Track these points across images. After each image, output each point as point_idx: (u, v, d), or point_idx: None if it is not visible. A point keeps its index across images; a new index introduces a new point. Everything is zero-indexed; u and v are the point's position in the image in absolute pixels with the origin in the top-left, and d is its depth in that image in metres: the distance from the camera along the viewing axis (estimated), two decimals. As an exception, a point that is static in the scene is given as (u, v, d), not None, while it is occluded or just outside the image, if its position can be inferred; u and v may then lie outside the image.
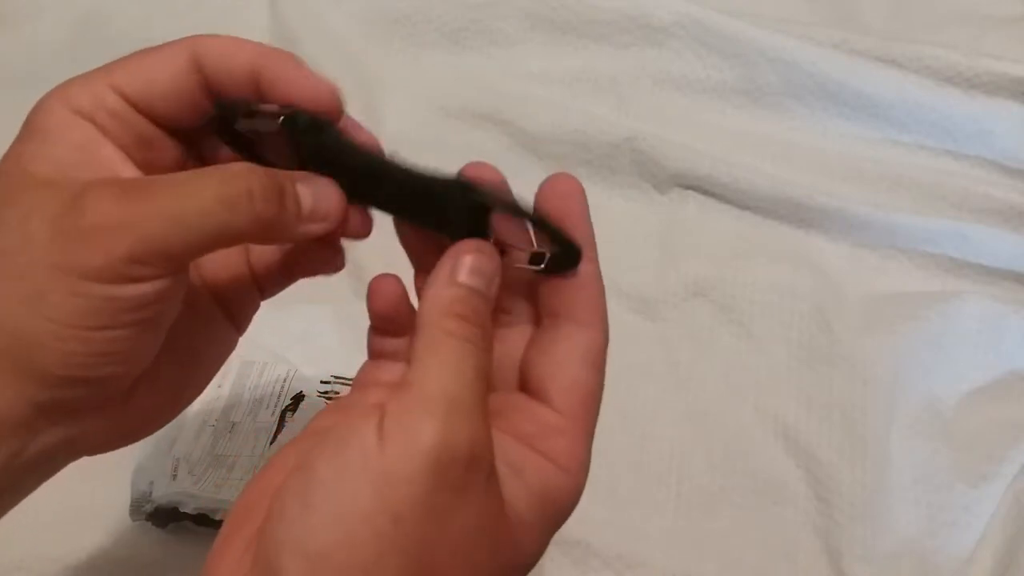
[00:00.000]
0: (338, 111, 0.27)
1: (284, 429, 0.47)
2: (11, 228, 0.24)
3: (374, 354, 0.30)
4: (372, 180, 0.28)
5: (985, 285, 0.57)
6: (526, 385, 0.28)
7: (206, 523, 0.45)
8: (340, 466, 0.22)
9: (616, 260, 0.56)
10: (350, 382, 0.30)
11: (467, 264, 0.26)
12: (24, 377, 0.24)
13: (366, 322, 0.30)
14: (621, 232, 0.59)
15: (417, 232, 0.29)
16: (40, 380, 0.24)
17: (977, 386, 0.53)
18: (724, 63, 0.63)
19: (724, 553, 0.49)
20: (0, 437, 0.24)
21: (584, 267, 0.28)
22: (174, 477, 0.45)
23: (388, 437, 0.22)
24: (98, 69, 0.26)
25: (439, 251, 0.27)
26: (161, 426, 0.30)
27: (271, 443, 0.47)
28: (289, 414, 0.48)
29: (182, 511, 0.44)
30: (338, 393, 0.49)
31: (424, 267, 0.29)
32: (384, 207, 0.28)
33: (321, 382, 0.49)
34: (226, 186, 0.24)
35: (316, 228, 0.27)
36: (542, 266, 0.27)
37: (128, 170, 0.26)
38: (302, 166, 0.27)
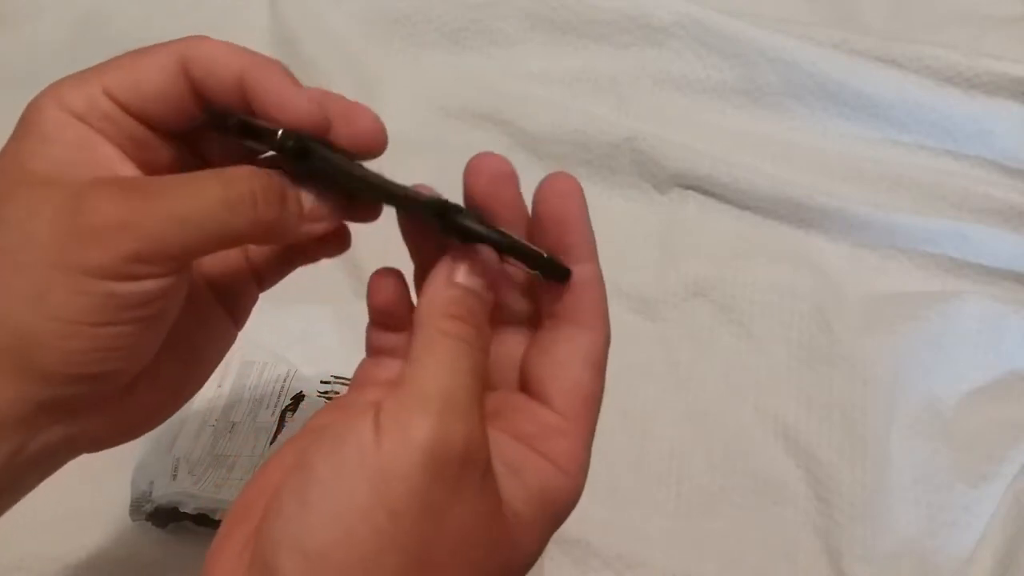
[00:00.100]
0: (324, 128, 0.26)
1: (284, 429, 0.47)
2: (12, 226, 0.24)
3: (373, 350, 0.30)
4: (365, 196, 0.28)
5: (985, 285, 0.57)
6: (527, 385, 0.28)
7: (206, 523, 0.45)
8: (337, 464, 0.22)
9: (616, 260, 0.56)
10: (350, 382, 0.30)
11: (465, 265, 0.26)
12: (25, 375, 0.24)
13: (366, 322, 0.30)
14: (621, 232, 0.59)
15: (420, 227, 0.29)
16: (41, 378, 0.24)
17: (977, 386, 0.53)
18: (724, 63, 0.63)
19: (724, 553, 0.49)
20: (2, 434, 0.24)
21: (585, 268, 0.28)
22: (174, 477, 0.45)
23: (384, 434, 0.22)
24: (90, 70, 0.26)
25: (440, 247, 0.27)
26: (161, 422, 0.30)
27: (271, 443, 0.47)
28: (289, 414, 0.48)
29: (182, 511, 0.44)
30: (338, 393, 0.49)
31: (425, 262, 0.29)
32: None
33: (321, 382, 0.49)
34: (229, 189, 0.25)
35: (317, 228, 0.27)
36: (537, 272, 0.27)
37: (127, 168, 0.26)
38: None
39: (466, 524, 0.23)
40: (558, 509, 0.26)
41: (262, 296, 0.33)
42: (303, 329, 0.52)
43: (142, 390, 0.27)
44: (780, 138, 0.62)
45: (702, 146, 0.60)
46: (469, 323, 0.25)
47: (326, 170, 0.26)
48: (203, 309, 0.30)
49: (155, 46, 0.27)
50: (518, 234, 0.28)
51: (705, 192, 0.60)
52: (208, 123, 0.28)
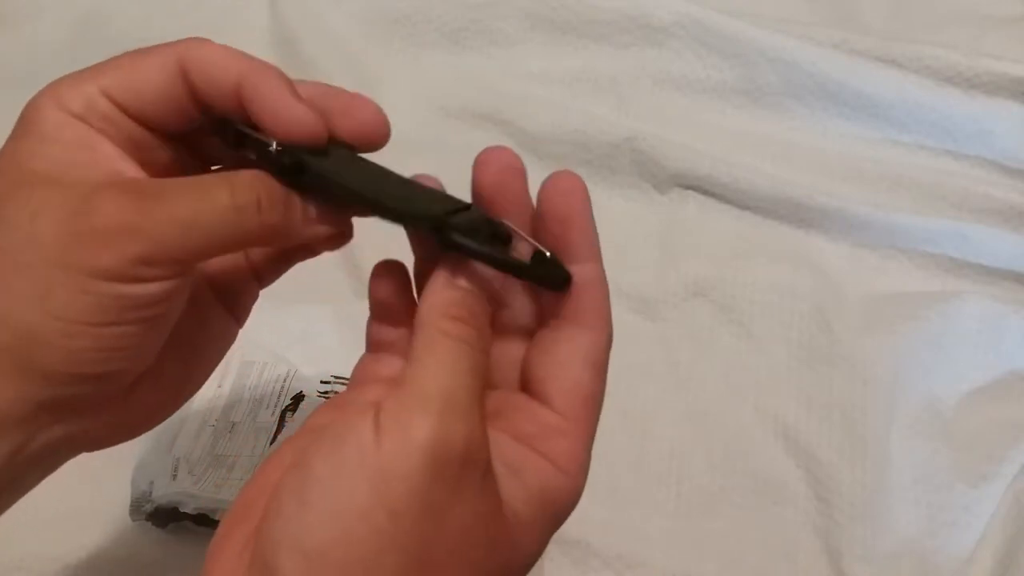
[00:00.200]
0: (319, 140, 0.26)
1: (284, 429, 0.47)
2: (16, 226, 0.24)
3: (372, 345, 0.30)
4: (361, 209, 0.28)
5: (985, 285, 0.57)
6: (527, 385, 0.28)
7: (206, 523, 0.45)
8: (336, 463, 0.22)
9: (616, 260, 0.55)
10: (349, 380, 0.30)
11: (466, 267, 0.26)
12: (27, 374, 0.24)
13: (366, 322, 0.30)
14: (621, 232, 0.59)
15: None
16: (43, 377, 0.24)
17: (977, 386, 0.53)
18: (724, 63, 0.63)
19: (724, 553, 0.49)
20: (3, 433, 0.24)
21: (587, 268, 0.28)
22: (174, 477, 0.45)
23: (384, 434, 0.22)
24: (88, 70, 0.26)
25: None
26: (162, 421, 0.30)
27: (271, 443, 0.47)
28: (289, 414, 0.48)
29: (182, 511, 0.44)
30: (338, 393, 0.49)
31: (426, 255, 0.29)
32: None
33: (321, 382, 0.49)
34: (235, 194, 0.25)
35: (321, 231, 0.28)
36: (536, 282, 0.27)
37: (128, 166, 0.26)
38: None
39: (466, 524, 0.23)
40: (558, 509, 0.26)
41: (262, 296, 0.33)
42: (303, 329, 0.52)
43: (143, 389, 0.27)
44: (780, 138, 0.62)
45: (702, 146, 0.60)
46: (470, 324, 0.25)
47: (321, 185, 0.26)
48: (204, 308, 0.30)
49: (154, 47, 0.27)
50: (524, 229, 0.28)
51: (705, 192, 0.60)
52: (207, 127, 0.28)
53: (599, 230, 0.28)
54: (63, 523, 0.46)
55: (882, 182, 0.60)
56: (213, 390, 0.48)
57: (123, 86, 0.26)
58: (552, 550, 0.48)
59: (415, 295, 0.29)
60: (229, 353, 0.32)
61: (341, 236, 0.30)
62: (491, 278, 0.27)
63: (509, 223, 0.28)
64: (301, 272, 0.33)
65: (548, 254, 0.27)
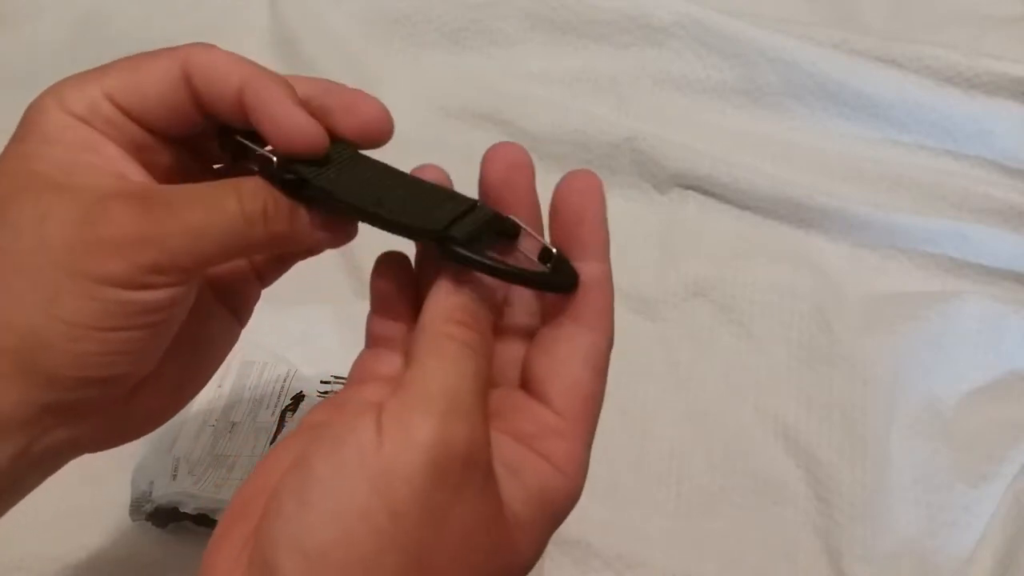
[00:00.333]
0: (320, 149, 0.26)
1: (284, 429, 0.47)
2: (23, 230, 0.24)
3: (372, 340, 0.30)
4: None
5: (985, 285, 0.57)
6: (527, 384, 0.28)
7: (206, 523, 0.45)
8: (337, 463, 0.22)
9: (616, 260, 0.56)
10: (347, 378, 0.30)
11: (469, 276, 0.26)
12: (32, 378, 0.24)
13: (366, 322, 0.30)
14: (621, 232, 0.58)
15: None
16: (47, 381, 0.24)
17: (977, 386, 0.53)
18: (724, 63, 0.63)
19: (724, 553, 0.49)
20: (7, 436, 0.24)
21: (595, 267, 0.28)
22: (174, 477, 0.45)
23: (386, 435, 0.22)
24: (90, 72, 0.26)
25: None
26: (165, 421, 0.30)
27: (271, 443, 0.47)
28: (289, 414, 0.48)
29: (182, 511, 0.44)
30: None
31: (428, 250, 0.29)
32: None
33: (321, 382, 0.49)
34: (244, 203, 0.25)
35: (326, 238, 0.28)
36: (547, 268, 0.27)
37: (132, 168, 0.26)
38: None
39: (467, 526, 0.23)
40: (557, 510, 0.26)
41: (263, 297, 0.33)
42: (303, 330, 0.52)
43: (146, 391, 0.27)
44: (780, 138, 0.62)
45: (702, 146, 0.60)
46: (474, 329, 0.25)
47: (322, 198, 0.26)
48: (207, 309, 0.30)
49: (159, 51, 0.27)
50: (531, 226, 0.28)
51: (705, 192, 0.60)
52: (209, 133, 0.28)
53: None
54: (63, 523, 0.46)
55: (882, 182, 0.60)
56: (213, 390, 0.48)
57: (126, 89, 0.26)
58: (552, 550, 0.48)
59: (417, 289, 0.29)
60: (230, 354, 0.32)
61: (344, 236, 0.30)
62: (495, 283, 0.27)
63: (517, 219, 0.28)
64: (301, 272, 0.33)
65: (555, 251, 0.27)
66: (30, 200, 0.24)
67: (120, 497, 0.46)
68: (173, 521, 0.45)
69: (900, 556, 0.48)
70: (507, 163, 0.28)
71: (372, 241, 0.29)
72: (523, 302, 0.29)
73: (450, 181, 0.29)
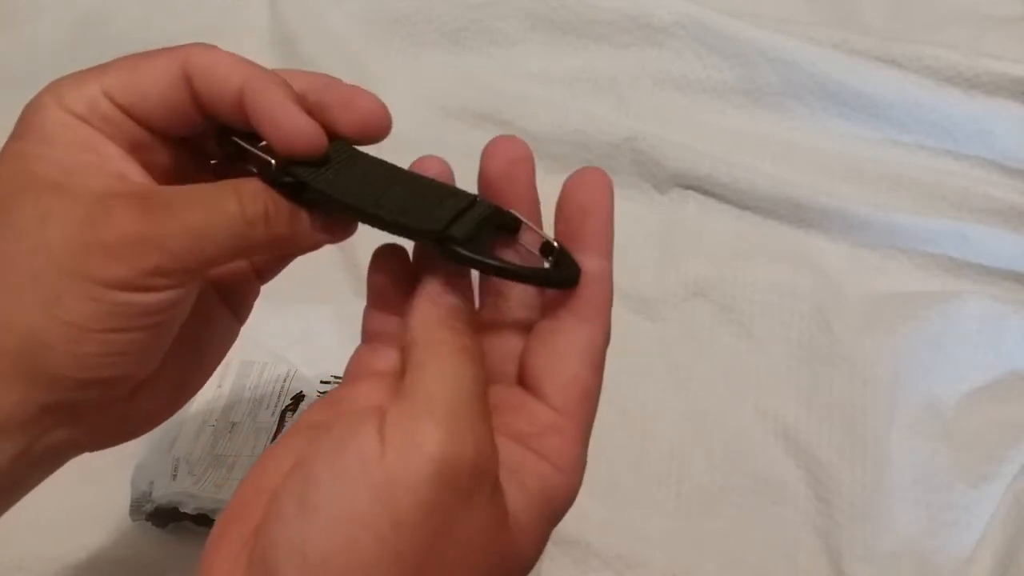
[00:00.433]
0: (319, 150, 0.26)
1: (284, 429, 0.47)
2: (24, 232, 0.24)
3: (368, 335, 0.29)
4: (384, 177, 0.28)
5: (985, 285, 0.57)
6: (524, 378, 0.28)
7: (206, 523, 0.45)
8: (339, 470, 0.22)
9: (616, 260, 0.56)
10: (343, 375, 0.30)
11: (453, 276, 0.26)
12: (32, 378, 0.24)
13: (363, 312, 0.30)
14: (621, 232, 0.58)
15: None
16: (48, 382, 0.24)
17: (977, 386, 0.53)
18: (724, 63, 0.63)
19: (724, 553, 0.49)
20: (7, 436, 0.24)
21: (596, 263, 0.27)
22: (174, 477, 0.45)
23: (390, 443, 0.22)
24: (91, 70, 0.26)
25: None
26: (164, 420, 0.30)
27: (271, 443, 0.47)
28: (289, 414, 0.48)
29: (182, 511, 0.44)
30: (337, 392, 0.49)
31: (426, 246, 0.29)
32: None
33: (321, 382, 0.49)
34: (245, 205, 0.25)
35: (327, 239, 0.28)
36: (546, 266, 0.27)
37: (132, 168, 0.26)
38: None
39: (471, 536, 0.23)
40: (556, 508, 0.26)
41: (262, 296, 0.33)
42: (303, 329, 0.52)
43: (146, 390, 0.27)
44: (780, 138, 0.62)
45: (702, 146, 0.60)
46: (466, 332, 0.25)
47: (321, 200, 0.26)
48: (206, 307, 0.30)
49: (158, 51, 0.27)
50: (531, 219, 0.28)
51: (705, 192, 0.60)
52: (209, 133, 0.28)
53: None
54: (63, 523, 0.46)
55: (882, 182, 0.60)
56: (213, 390, 0.48)
57: (126, 88, 0.26)
58: (552, 550, 0.48)
59: (415, 283, 0.29)
60: (229, 353, 0.32)
61: (344, 234, 0.30)
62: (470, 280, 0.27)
63: (518, 213, 0.28)
64: (301, 271, 0.33)
65: (556, 244, 0.27)
66: (30, 201, 0.24)
67: (120, 497, 0.46)
68: (173, 521, 0.45)
69: (900, 556, 0.48)
70: (507, 157, 0.28)
71: (372, 240, 0.29)
72: (519, 296, 0.29)
73: (451, 172, 0.29)
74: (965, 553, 0.48)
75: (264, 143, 0.27)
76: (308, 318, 0.52)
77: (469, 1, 0.66)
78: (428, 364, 0.24)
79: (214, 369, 0.31)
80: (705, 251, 0.58)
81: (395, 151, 0.29)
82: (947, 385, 0.53)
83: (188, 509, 0.44)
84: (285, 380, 0.49)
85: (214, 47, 0.27)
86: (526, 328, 0.29)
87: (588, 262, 0.27)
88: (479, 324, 0.29)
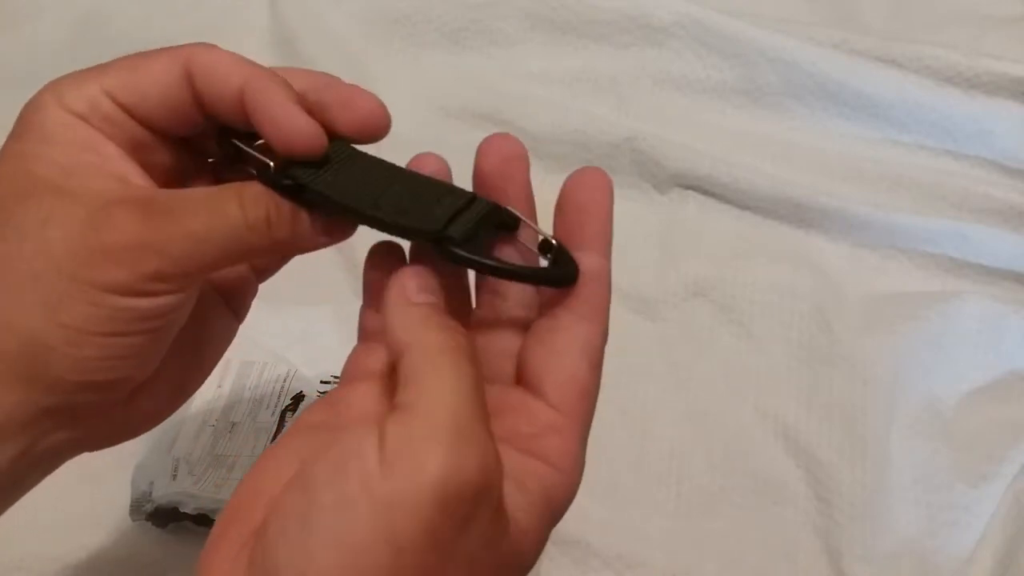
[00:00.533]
0: (318, 152, 0.26)
1: (284, 429, 0.47)
2: (25, 235, 0.24)
3: (364, 334, 0.29)
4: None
5: (985, 285, 0.57)
6: (522, 377, 0.28)
7: (206, 523, 0.45)
8: (340, 492, 0.22)
9: (616, 260, 0.56)
10: (340, 374, 0.30)
11: (414, 284, 0.26)
12: (33, 381, 0.24)
13: (359, 315, 0.30)
14: (621, 232, 0.58)
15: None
16: (48, 384, 0.24)
17: (977, 386, 0.53)
18: (724, 63, 0.63)
19: (724, 553, 0.49)
20: (7, 438, 0.24)
21: (595, 261, 0.27)
22: (174, 477, 0.45)
23: (391, 465, 0.21)
24: (91, 70, 0.26)
25: None
26: (162, 420, 0.30)
27: (271, 443, 0.47)
28: (289, 414, 0.48)
29: (182, 511, 0.44)
30: (337, 393, 0.49)
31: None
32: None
33: (321, 382, 0.49)
34: (247, 210, 0.25)
35: (329, 241, 0.28)
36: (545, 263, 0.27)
37: (131, 169, 0.26)
38: None
39: (475, 551, 0.22)
40: (556, 508, 0.26)
41: (262, 296, 0.33)
42: (303, 329, 0.52)
43: (146, 391, 0.27)
44: (780, 138, 0.62)
45: (702, 146, 0.60)
46: (454, 329, 0.25)
47: (320, 201, 0.26)
48: (205, 306, 0.30)
49: (159, 51, 0.27)
50: (528, 216, 0.28)
51: (705, 192, 0.60)
52: (209, 134, 0.28)
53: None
54: (63, 523, 0.46)
55: (882, 182, 0.60)
56: (213, 390, 0.48)
57: (127, 87, 0.26)
58: (552, 550, 0.48)
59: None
60: (229, 353, 0.32)
61: (343, 235, 0.30)
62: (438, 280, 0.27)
63: (516, 211, 0.28)
64: (301, 272, 0.33)
65: (555, 242, 0.27)
66: (32, 203, 0.24)
67: (120, 497, 0.46)
68: (173, 521, 0.45)
69: (900, 556, 0.48)
70: (502, 155, 0.28)
71: (371, 240, 0.29)
72: (517, 295, 0.29)
73: (449, 169, 0.29)
74: (965, 553, 0.48)
75: (263, 142, 0.27)
76: (308, 318, 0.52)
77: (469, 1, 0.66)
78: (425, 375, 0.23)
79: (213, 368, 0.31)
80: (705, 251, 0.58)
81: (395, 151, 0.29)
82: (947, 385, 0.53)
83: (188, 509, 0.44)
84: (285, 380, 0.49)
85: (215, 47, 0.27)
86: (524, 327, 0.29)
87: (587, 260, 0.27)
88: (477, 323, 0.29)
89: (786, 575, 0.48)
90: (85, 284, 0.24)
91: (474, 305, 0.30)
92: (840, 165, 0.60)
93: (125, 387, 0.26)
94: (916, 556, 0.48)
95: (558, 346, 0.27)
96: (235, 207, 0.25)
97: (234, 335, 0.32)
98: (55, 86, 0.26)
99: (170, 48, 0.27)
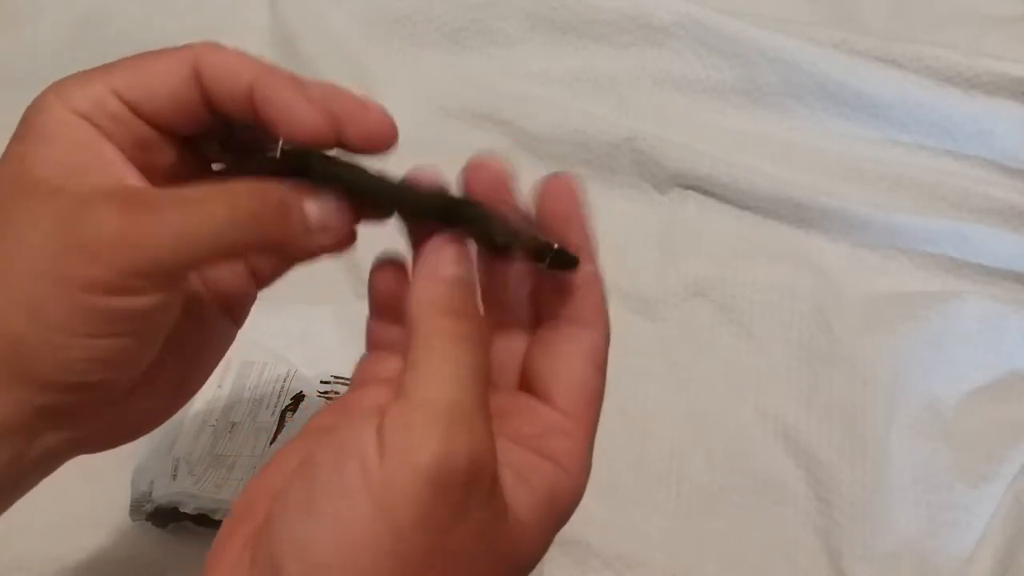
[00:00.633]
0: (330, 139, 0.26)
1: (284, 429, 0.47)
2: (10, 234, 0.24)
3: (372, 344, 0.30)
4: (371, 201, 0.28)
5: (985, 285, 0.57)
6: (528, 384, 0.28)
7: (206, 523, 0.45)
8: (340, 476, 0.22)
9: (616, 260, 0.56)
10: (350, 382, 0.30)
11: (449, 255, 0.26)
12: (24, 382, 0.24)
13: (366, 322, 0.30)
14: (621, 232, 0.59)
15: (423, 226, 0.29)
16: (39, 386, 0.24)
17: (977, 386, 0.53)
18: (724, 63, 0.63)
19: (724, 553, 0.49)
20: (2, 439, 0.24)
21: (585, 269, 0.27)
22: (174, 477, 0.45)
23: (388, 450, 0.22)
24: (96, 70, 0.26)
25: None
26: (162, 423, 0.30)
27: (271, 443, 0.47)
28: (289, 414, 0.48)
29: (182, 511, 0.44)
30: (338, 393, 0.49)
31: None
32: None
33: (321, 382, 0.49)
34: (233, 207, 0.25)
35: (324, 241, 0.27)
36: (546, 262, 0.27)
37: (129, 171, 0.26)
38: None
39: (471, 538, 0.23)
40: (562, 510, 0.26)
41: (262, 296, 0.32)
42: (303, 329, 0.52)
43: (142, 393, 0.27)
44: (780, 138, 0.62)
45: (702, 146, 0.60)
46: (466, 316, 0.25)
47: (329, 176, 0.26)
48: (202, 310, 0.30)
49: (166, 50, 0.27)
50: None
51: (705, 192, 0.60)
52: (214, 132, 0.28)
53: (599, 230, 0.28)
54: (63, 523, 0.46)
55: (882, 182, 0.60)
56: (213, 390, 0.48)
57: (135, 86, 0.26)
58: (552, 550, 0.47)
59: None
60: (229, 353, 0.32)
61: (342, 242, 0.30)
62: (469, 256, 0.26)
63: (512, 217, 0.28)
64: (301, 272, 0.33)
65: (556, 246, 0.27)
66: (24, 203, 0.24)
67: (120, 497, 0.46)
68: (173, 521, 0.45)
69: (900, 556, 0.48)
70: (487, 181, 0.27)
71: (372, 240, 0.29)
72: (519, 308, 0.29)
73: (445, 182, 0.29)
74: (965, 553, 0.48)
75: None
76: (308, 318, 0.52)
77: (469, 1, 0.66)
78: (424, 362, 0.24)
79: (210, 373, 0.31)
80: (705, 251, 0.58)
81: (395, 151, 0.29)
82: (947, 385, 0.53)
83: (188, 509, 0.44)
84: (285, 380, 0.49)
85: (222, 45, 0.27)
86: (526, 336, 0.29)
87: (579, 269, 0.27)
88: None
89: (786, 575, 0.48)
90: (65, 284, 0.23)
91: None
92: (840, 165, 0.60)
93: (116, 388, 0.26)
94: (916, 556, 0.48)
95: (564, 353, 0.27)
96: (219, 202, 0.25)
97: (233, 339, 0.32)
98: (59, 86, 0.26)
99: (176, 47, 0.27)
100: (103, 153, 0.26)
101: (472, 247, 0.27)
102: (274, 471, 0.25)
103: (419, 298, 0.25)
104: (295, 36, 0.66)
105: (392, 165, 0.28)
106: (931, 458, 0.50)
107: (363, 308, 0.30)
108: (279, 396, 0.48)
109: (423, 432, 0.22)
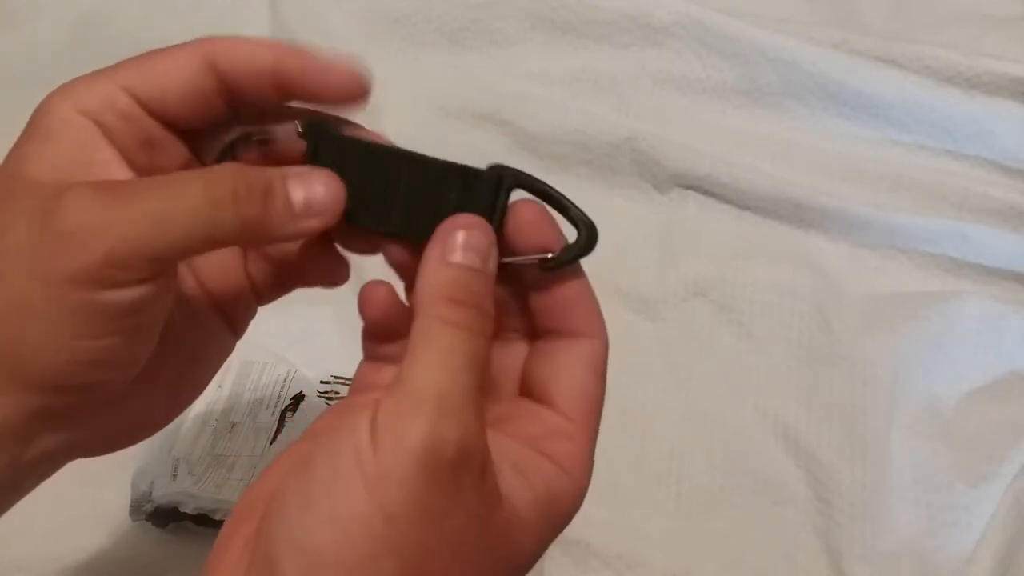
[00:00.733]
0: (365, 94, 0.27)
1: (284, 429, 0.47)
2: (3, 234, 0.24)
3: (370, 358, 0.30)
4: (394, 169, 0.28)
5: (985, 285, 0.57)
6: (530, 391, 0.28)
7: (206, 523, 0.45)
8: (335, 466, 0.22)
9: (616, 260, 0.56)
10: (350, 382, 0.30)
11: (459, 241, 0.26)
12: (17, 384, 0.24)
13: (361, 338, 0.30)
14: (621, 232, 0.59)
15: (407, 250, 0.28)
16: (33, 387, 0.24)
17: (977, 386, 0.53)
18: (724, 63, 0.63)
19: (724, 553, 0.49)
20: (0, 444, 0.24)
21: (574, 286, 0.28)
22: (174, 477, 0.45)
23: (379, 438, 0.22)
24: (104, 70, 0.26)
25: None
26: (160, 428, 0.30)
27: (271, 443, 0.47)
28: (289, 414, 0.48)
29: (182, 511, 0.44)
30: (338, 393, 0.49)
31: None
32: (391, 209, 0.28)
33: (321, 382, 0.49)
34: (210, 187, 0.24)
35: (309, 225, 0.26)
36: (550, 256, 0.27)
37: (122, 173, 0.26)
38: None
39: (464, 526, 0.23)
40: (562, 512, 0.26)
41: (262, 296, 0.32)
42: (303, 329, 0.52)
43: (139, 397, 0.27)
44: (780, 138, 0.62)
45: (702, 146, 0.60)
46: (467, 304, 0.25)
47: (348, 147, 0.27)
48: (202, 319, 0.30)
49: (174, 46, 0.26)
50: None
51: (705, 192, 0.60)
52: (220, 129, 0.28)
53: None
54: (63, 523, 0.46)
55: (882, 182, 0.60)
56: (213, 391, 0.48)
57: (147, 82, 0.26)
58: (552, 550, 0.48)
59: (409, 312, 0.29)
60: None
61: (336, 272, 0.30)
62: (486, 243, 0.26)
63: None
64: (301, 272, 0.33)
65: (556, 252, 0.27)
66: (11, 205, 0.24)
67: (120, 497, 0.46)
68: (173, 521, 0.45)
69: (900, 556, 0.48)
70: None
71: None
72: (515, 322, 0.29)
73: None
74: (965, 553, 0.48)
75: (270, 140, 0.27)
76: (308, 318, 0.52)
77: (469, 1, 0.66)
78: (420, 350, 0.24)
79: (209, 380, 0.31)
80: (705, 251, 0.58)
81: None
82: (947, 385, 0.53)
83: (188, 509, 0.44)
84: (285, 380, 0.49)
85: (233, 35, 0.27)
86: (524, 347, 0.29)
87: (566, 289, 0.28)
88: None
89: (786, 575, 0.48)
90: (44, 279, 0.23)
91: None
92: (840, 165, 0.61)
93: (112, 389, 0.26)
94: (916, 556, 0.48)
95: (564, 361, 0.27)
96: (197, 184, 0.24)
97: (231, 351, 0.32)
98: (67, 86, 0.26)
99: (184, 43, 0.26)
100: (100, 153, 0.25)
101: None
102: (275, 473, 0.25)
103: (423, 283, 0.25)
104: (295, 36, 0.66)
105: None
106: (931, 458, 0.50)
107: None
108: (279, 396, 0.48)
109: (412, 418, 0.22)
